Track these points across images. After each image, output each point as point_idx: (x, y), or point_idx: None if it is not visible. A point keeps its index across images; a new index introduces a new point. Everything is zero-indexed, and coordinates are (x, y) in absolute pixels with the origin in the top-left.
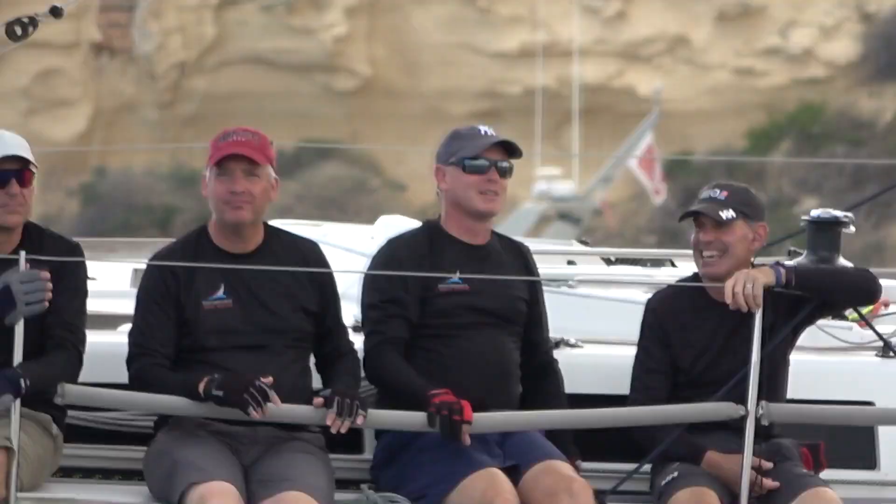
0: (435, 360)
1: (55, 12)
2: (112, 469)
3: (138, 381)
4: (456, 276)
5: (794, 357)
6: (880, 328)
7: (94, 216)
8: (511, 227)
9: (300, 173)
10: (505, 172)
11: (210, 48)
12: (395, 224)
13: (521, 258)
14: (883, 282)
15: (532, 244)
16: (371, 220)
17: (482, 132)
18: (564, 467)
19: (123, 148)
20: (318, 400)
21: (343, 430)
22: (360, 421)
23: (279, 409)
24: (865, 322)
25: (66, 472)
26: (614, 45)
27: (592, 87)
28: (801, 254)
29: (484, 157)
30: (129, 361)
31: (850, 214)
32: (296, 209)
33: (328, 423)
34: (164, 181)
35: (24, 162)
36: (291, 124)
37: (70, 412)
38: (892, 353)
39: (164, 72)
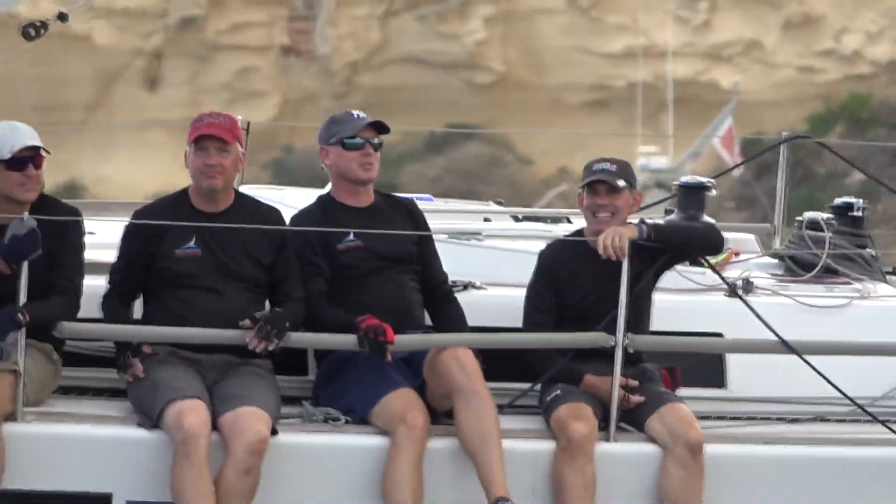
0: (351, 302)
1: (62, 17)
2: (101, 388)
3: (102, 311)
4: (350, 236)
5: (658, 297)
6: (732, 273)
7: (283, 185)
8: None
9: (448, 151)
10: (377, 147)
11: (376, 50)
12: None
13: (405, 211)
14: (740, 236)
15: (455, 205)
16: (504, 189)
17: (356, 116)
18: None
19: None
20: (245, 321)
21: (259, 350)
22: (271, 347)
23: (217, 333)
24: (713, 269)
25: (65, 391)
26: (700, 48)
27: (683, 81)
28: (672, 211)
29: (359, 136)
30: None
31: (712, 181)
32: (444, 180)
33: (247, 341)
34: None
35: (36, 149)
36: (441, 112)
37: (67, 342)
38: (736, 294)
39: (338, 69)
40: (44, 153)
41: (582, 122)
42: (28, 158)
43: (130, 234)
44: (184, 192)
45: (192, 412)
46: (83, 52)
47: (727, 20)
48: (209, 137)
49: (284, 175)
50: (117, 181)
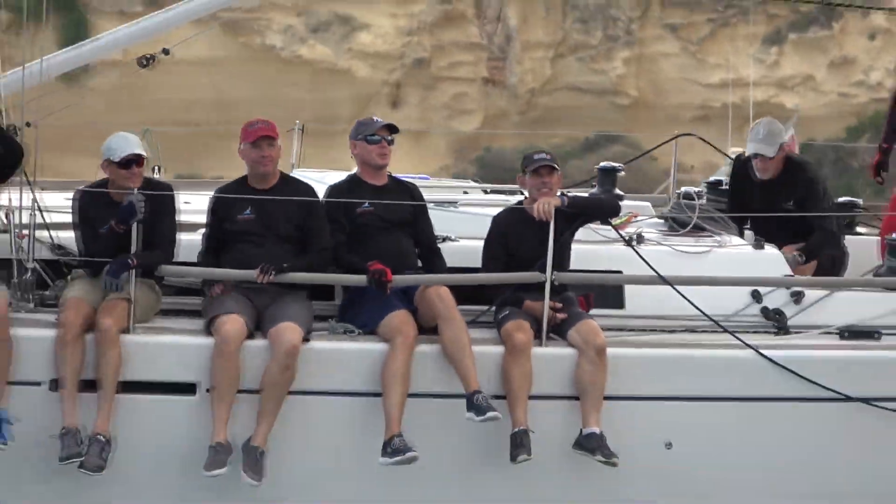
0: (364, 251)
1: (165, 52)
2: (186, 310)
3: (198, 260)
4: (366, 204)
5: (576, 246)
6: (631, 230)
7: (484, 175)
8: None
9: (598, 151)
10: (390, 142)
11: (548, 81)
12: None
13: (407, 191)
14: (640, 203)
15: (444, 182)
16: (634, 176)
17: (375, 120)
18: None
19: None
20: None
21: (261, 281)
22: (265, 278)
23: (247, 273)
24: (613, 227)
25: (164, 313)
26: (772, 80)
27: (759, 103)
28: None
29: (377, 135)
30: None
31: (621, 165)
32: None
33: (254, 276)
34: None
35: (139, 155)
36: (593, 124)
37: (166, 278)
38: (629, 244)
39: (522, 94)
40: (145, 157)
41: (690, 131)
42: (133, 161)
43: (211, 206)
44: (244, 177)
45: (228, 322)
46: (346, 82)
47: (790, 61)
48: (264, 137)
49: (485, 168)
50: None
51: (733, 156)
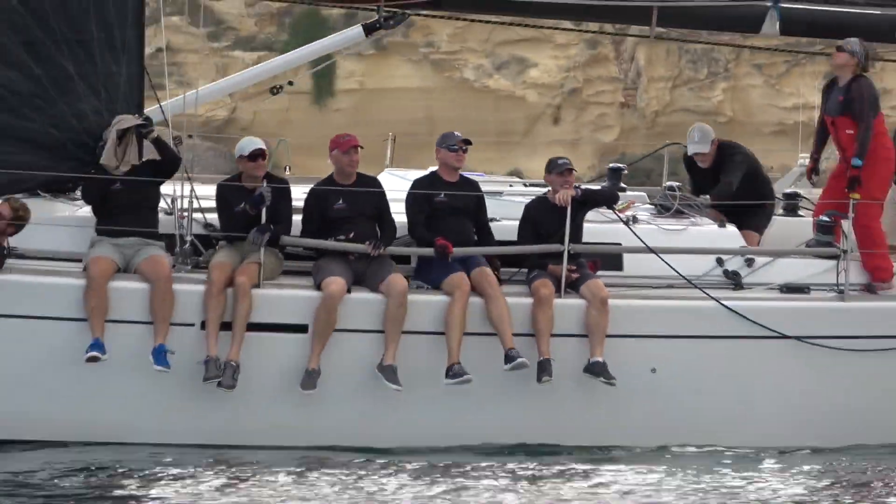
0: (437, 229)
1: (290, 83)
2: (302, 271)
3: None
4: (441, 195)
5: (588, 225)
6: (629, 213)
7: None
8: (784, 181)
9: None
10: (465, 151)
11: (667, 105)
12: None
13: (473, 186)
14: (638, 193)
15: (495, 178)
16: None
17: (456, 134)
18: (485, 268)
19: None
20: (368, 243)
21: (374, 254)
22: (377, 252)
23: (354, 245)
24: (615, 211)
25: (285, 273)
26: None
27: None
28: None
29: (456, 145)
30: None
31: (625, 166)
32: None
33: (368, 250)
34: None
35: (262, 150)
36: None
37: (288, 248)
38: (626, 224)
39: (648, 115)
40: (267, 152)
41: (770, 143)
42: (258, 154)
43: (309, 198)
44: (330, 177)
45: (333, 284)
46: (520, 106)
47: None
48: (354, 147)
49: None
50: None
51: (800, 161)
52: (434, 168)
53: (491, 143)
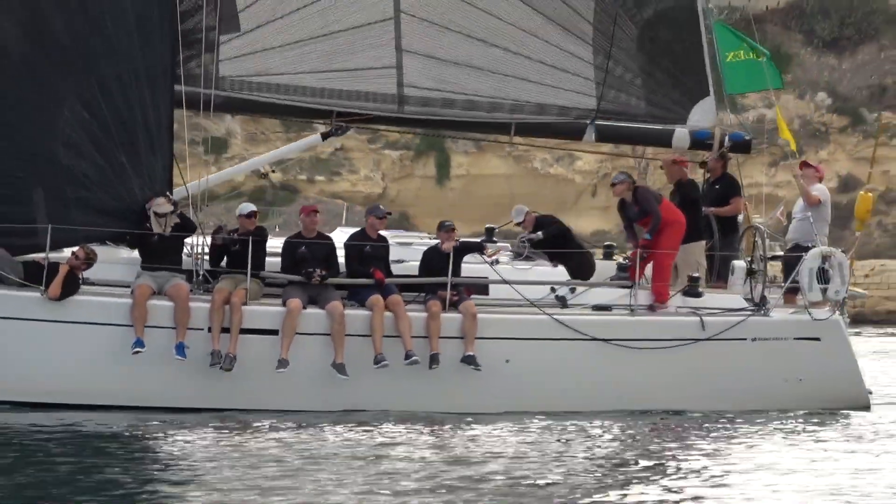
0: (365, 266)
1: (273, 171)
2: (276, 294)
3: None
4: (367, 247)
5: (466, 265)
6: (496, 257)
7: None
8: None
9: None
10: (385, 219)
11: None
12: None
13: (385, 240)
14: (504, 244)
15: (401, 234)
16: None
17: (380, 207)
18: (395, 295)
19: None
20: (318, 276)
21: (316, 282)
22: (319, 282)
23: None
24: (483, 257)
25: (265, 295)
26: None
27: None
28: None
29: (382, 215)
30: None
31: (497, 226)
32: None
33: (315, 281)
34: None
35: (254, 211)
36: None
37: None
38: (491, 265)
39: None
40: (256, 211)
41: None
42: (252, 214)
43: (284, 245)
44: (298, 233)
45: (293, 302)
46: (562, 186)
47: None
48: (314, 212)
49: None
50: None
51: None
52: (362, 228)
53: (550, 210)
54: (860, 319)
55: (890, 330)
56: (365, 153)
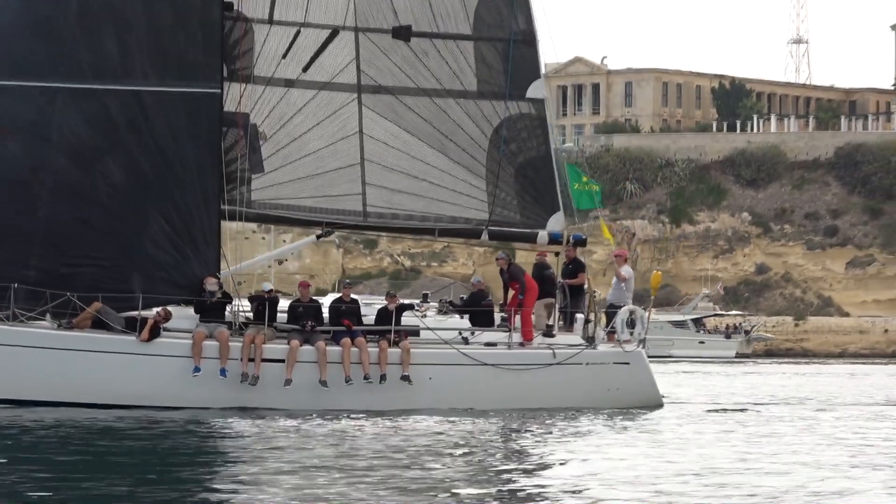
0: (341, 319)
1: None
2: (284, 337)
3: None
4: (343, 306)
5: (406, 319)
6: (426, 311)
7: None
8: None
9: None
10: (351, 288)
11: (646, 271)
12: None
13: (356, 303)
14: (433, 304)
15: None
16: None
17: (346, 281)
18: (360, 338)
19: None
20: (310, 326)
21: (309, 330)
22: (311, 329)
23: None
24: (415, 313)
25: (277, 338)
26: None
27: None
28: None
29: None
30: None
31: (429, 292)
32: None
33: (308, 329)
34: None
35: (271, 290)
36: None
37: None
38: (421, 318)
39: (640, 270)
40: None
41: None
42: (269, 291)
43: (290, 306)
44: (297, 298)
45: (294, 342)
46: None
47: None
48: (306, 286)
49: None
50: None
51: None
52: (339, 295)
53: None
54: (771, 353)
55: (785, 360)
56: (462, 248)
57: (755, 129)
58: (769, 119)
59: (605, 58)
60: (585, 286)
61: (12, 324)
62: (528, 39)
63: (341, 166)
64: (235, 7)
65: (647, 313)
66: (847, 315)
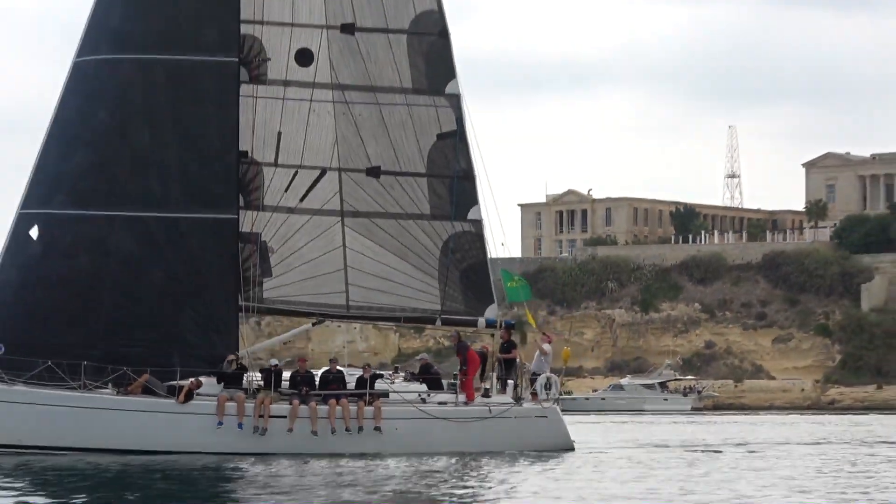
0: (329, 385)
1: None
2: (286, 399)
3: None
4: (331, 376)
5: (382, 385)
6: (395, 378)
7: None
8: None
9: None
10: (336, 363)
11: (624, 347)
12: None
13: (342, 374)
14: (401, 374)
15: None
16: None
17: (333, 360)
18: (344, 399)
19: None
20: (305, 391)
21: (305, 394)
22: (307, 393)
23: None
24: (384, 381)
25: (279, 400)
26: None
27: None
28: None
29: (333, 366)
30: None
31: (399, 366)
32: None
33: (303, 395)
34: None
35: (276, 365)
36: None
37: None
38: (389, 384)
39: (621, 348)
40: (280, 365)
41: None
42: (276, 365)
43: (291, 375)
44: (297, 368)
45: (295, 402)
46: None
47: None
48: (303, 361)
49: None
50: None
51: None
52: (327, 368)
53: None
54: (718, 407)
55: (728, 412)
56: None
57: (703, 241)
58: (713, 233)
59: (590, 190)
60: (517, 360)
61: (83, 392)
62: (468, 176)
63: (329, 271)
64: (249, 154)
65: (559, 379)
66: (774, 378)
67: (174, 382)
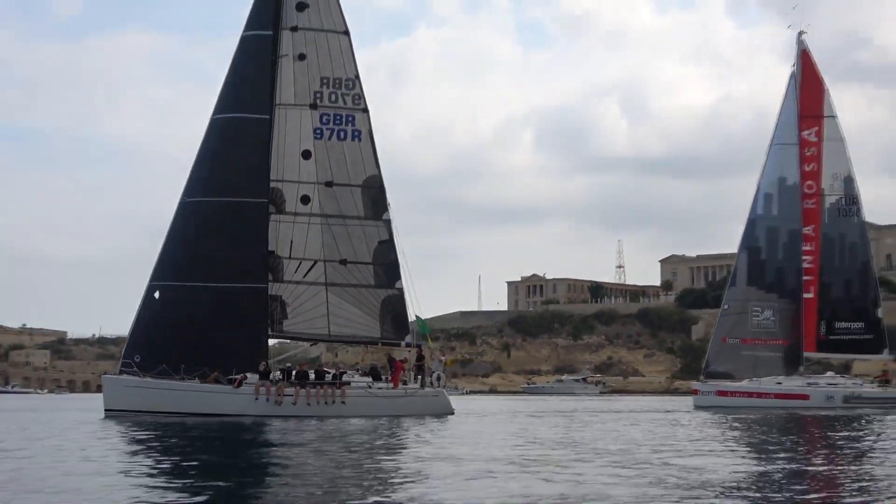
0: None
1: (314, 360)
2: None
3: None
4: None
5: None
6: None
7: None
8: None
9: None
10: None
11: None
12: None
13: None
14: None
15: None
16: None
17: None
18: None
19: None
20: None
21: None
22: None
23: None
24: (369, 381)
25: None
26: None
27: None
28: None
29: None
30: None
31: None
32: None
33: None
34: None
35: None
36: None
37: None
38: (369, 386)
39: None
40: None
41: None
42: (290, 369)
43: (294, 373)
44: (299, 370)
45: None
46: None
47: None
48: (303, 364)
49: None
50: None
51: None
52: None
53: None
54: (615, 391)
55: (620, 395)
56: (490, 348)
57: (605, 302)
58: (611, 297)
59: (545, 272)
60: (424, 365)
61: (182, 383)
62: (396, 263)
63: (318, 316)
64: (274, 251)
65: (444, 376)
66: (644, 376)
67: (231, 377)
